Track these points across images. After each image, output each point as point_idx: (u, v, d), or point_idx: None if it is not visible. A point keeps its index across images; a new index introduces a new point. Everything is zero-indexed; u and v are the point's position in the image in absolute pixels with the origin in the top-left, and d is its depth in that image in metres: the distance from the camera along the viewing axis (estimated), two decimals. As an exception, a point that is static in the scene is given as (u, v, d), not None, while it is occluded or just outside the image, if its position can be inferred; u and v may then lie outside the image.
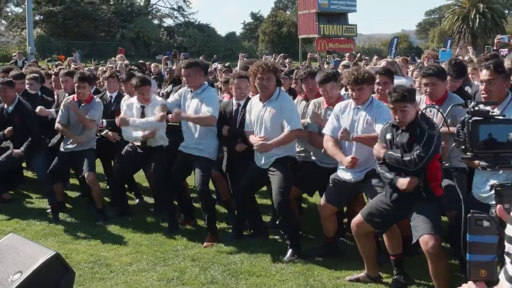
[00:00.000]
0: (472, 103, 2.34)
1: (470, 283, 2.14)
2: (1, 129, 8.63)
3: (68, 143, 8.45)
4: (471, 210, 2.15)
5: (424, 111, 5.69)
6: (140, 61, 16.37)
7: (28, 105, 8.60)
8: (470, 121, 2.28)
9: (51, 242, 7.34)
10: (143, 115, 7.93)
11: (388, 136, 5.47)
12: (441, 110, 4.93)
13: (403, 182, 5.26)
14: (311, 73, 7.41)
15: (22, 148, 8.41)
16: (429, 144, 5.09)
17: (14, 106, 8.45)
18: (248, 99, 7.46)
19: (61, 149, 8.48)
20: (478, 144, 2.25)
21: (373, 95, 6.44)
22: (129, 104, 8.14)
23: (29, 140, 8.42)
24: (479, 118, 2.28)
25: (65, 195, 9.31)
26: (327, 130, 6.42)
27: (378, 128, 5.84)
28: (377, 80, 6.73)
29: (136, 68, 10.78)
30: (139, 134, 7.95)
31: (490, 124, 2.27)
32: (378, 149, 5.52)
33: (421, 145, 5.13)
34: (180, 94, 7.65)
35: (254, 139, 6.90)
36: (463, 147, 2.31)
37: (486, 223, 2.10)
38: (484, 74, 5.17)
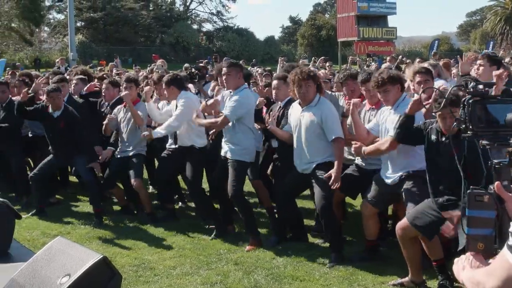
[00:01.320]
0: (472, 84, 2.40)
1: (468, 254, 2.23)
2: (47, 131, 8.78)
3: (120, 150, 8.66)
4: (471, 186, 2.24)
5: None
6: (201, 64, 16.16)
7: (73, 111, 8.71)
8: (470, 101, 2.36)
9: (95, 245, 7.42)
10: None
11: (433, 137, 5.36)
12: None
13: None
14: (352, 75, 7.38)
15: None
16: None
17: (61, 112, 8.56)
18: (291, 100, 7.47)
19: (116, 155, 8.71)
20: (477, 122, 2.34)
21: (405, 94, 6.38)
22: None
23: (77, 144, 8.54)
24: (478, 98, 2.37)
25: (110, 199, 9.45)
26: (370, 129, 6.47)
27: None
28: (418, 79, 6.67)
29: (196, 71, 10.75)
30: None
31: (489, 104, 2.36)
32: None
33: None
34: (224, 97, 7.70)
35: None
36: (463, 126, 2.39)
37: (485, 198, 2.19)
38: None
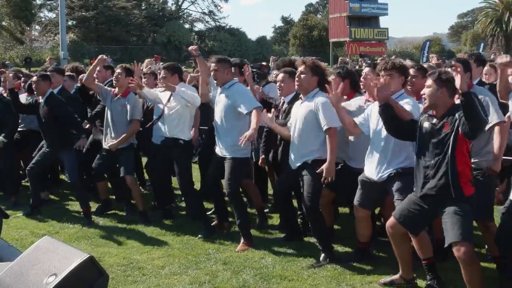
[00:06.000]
0: None
1: None
2: (39, 121, 8.70)
3: (107, 140, 8.47)
4: None
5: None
6: (263, 63, 15.72)
7: (59, 98, 8.65)
8: None
9: (84, 245, 7.39)
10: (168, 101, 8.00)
11: (426, 124, 5.30)
12: None
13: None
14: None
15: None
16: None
17: (45, 98, 8.48)
18: (297, 96, 7.18)
19: (104, 146, 8.55)
20: None
21: (403, 90, 6.24)
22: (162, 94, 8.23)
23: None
24: None
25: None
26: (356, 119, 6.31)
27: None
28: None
29: (256, 69, 10.49)
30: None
31: None
32: None
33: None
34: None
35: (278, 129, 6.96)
36: None
37: None
38: None
